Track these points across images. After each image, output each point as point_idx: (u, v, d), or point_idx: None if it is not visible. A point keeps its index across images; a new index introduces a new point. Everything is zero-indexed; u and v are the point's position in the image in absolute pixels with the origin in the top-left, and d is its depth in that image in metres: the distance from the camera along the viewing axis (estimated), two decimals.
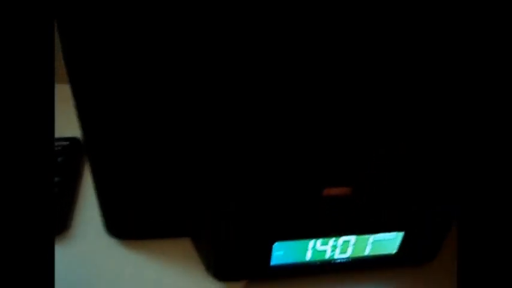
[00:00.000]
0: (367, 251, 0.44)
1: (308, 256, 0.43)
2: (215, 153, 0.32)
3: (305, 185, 0.36)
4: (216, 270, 0.42)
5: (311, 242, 0.42)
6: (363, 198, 0.39)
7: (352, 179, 0.36)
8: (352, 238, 0.43)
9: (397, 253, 0.45)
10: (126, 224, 0.43)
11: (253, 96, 0.30)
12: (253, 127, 0.31)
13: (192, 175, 0.37)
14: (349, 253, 0.44)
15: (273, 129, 0.31)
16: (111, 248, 0.45)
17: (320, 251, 0.43)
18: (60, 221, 0.47)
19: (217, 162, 0.33)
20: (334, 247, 0.43)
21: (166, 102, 0.32)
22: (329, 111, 0.31)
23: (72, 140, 0.54)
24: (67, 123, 0.44)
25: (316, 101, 0.31)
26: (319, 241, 0.42)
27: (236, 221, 0.38)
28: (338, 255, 0.44)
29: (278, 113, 0.31)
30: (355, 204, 0.39)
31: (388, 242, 0.44)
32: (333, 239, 0.42)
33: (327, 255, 0.44)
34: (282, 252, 0.42)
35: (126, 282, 0.43)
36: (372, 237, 0.43)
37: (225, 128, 0.31)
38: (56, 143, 0.53)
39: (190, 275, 0.44)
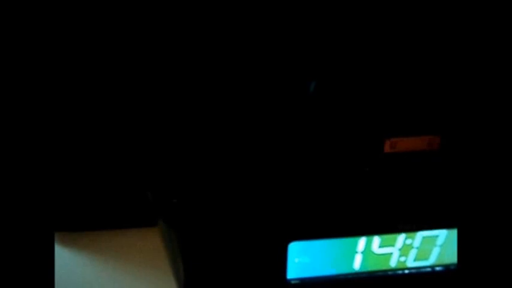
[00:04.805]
0: None
1: (356, 264, 0.34)
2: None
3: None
4: None
5: (361, 241, 0.33)
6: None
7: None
8: (440, 234, 0.34)
9: None
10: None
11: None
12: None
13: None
14: (433, 259, 0.35)
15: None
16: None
17: (379, 256, 0.34)
18: None
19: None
20: (406, 249, 0.34)
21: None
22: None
23: None
24: None
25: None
26: (377, 239, 0.33)
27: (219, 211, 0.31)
28: (412, 263, 0.35)
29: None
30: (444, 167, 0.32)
31: None
32: (403, 235, 0.33)
33: (392, 263, 0.35)
34: (307, 259, 0.33)
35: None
36: None
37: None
38: None
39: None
